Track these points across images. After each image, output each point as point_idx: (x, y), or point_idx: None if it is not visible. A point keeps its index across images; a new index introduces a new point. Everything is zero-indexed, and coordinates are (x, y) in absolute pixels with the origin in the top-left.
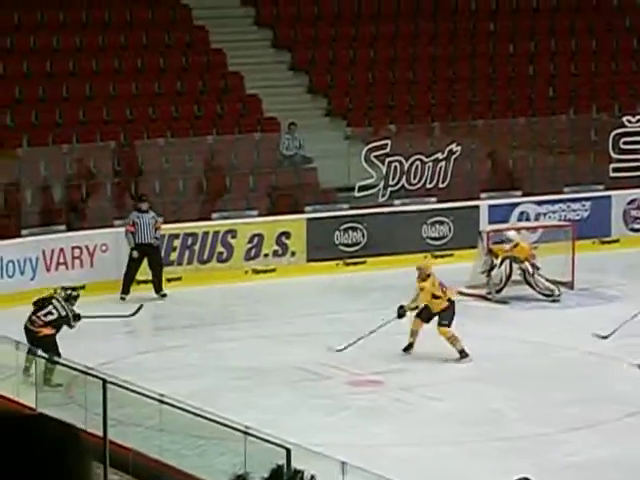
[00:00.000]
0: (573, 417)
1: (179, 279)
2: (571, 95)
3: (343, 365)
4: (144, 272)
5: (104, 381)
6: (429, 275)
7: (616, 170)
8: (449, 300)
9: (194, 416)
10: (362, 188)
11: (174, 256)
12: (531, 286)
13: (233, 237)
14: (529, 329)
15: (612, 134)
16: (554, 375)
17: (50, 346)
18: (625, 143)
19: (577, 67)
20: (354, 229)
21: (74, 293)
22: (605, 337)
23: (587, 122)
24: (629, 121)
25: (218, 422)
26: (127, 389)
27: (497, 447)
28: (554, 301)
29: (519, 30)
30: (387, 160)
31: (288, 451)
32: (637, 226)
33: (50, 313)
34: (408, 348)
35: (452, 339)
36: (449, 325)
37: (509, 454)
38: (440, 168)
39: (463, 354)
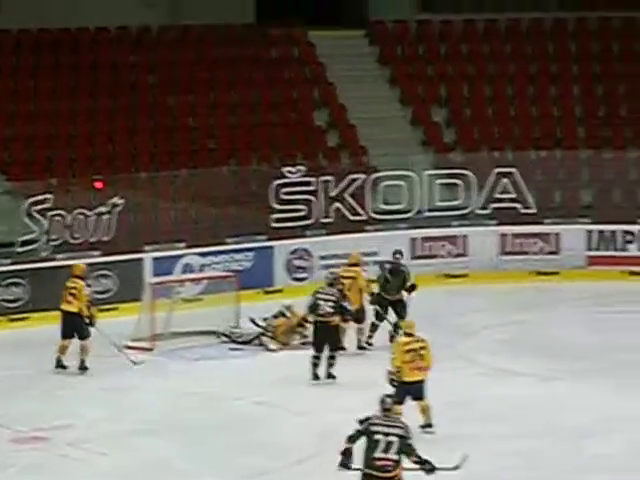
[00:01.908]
0: (244, 466)
1: None
2: (232, 147)
3: (5, 422)
4: None
5: None
6: None
7: (278, 220)
8: None
9: None
10: (24, 243)
11: None
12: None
13: None
14: (195, 381)
15: (273, 185)
16: (223, 425)
17: None
18: (285, 193)
19: (237, 119)
20: (16, 284)
21: None
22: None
23: (248, 173)
24: (289, 172)
25: None
26: None
27: None
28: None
29: (179, 82)
30: (49, 214)
31: None
32: (300, 275)
33: None
34: None
35: None
36: None
37: None
38: (104, 221)
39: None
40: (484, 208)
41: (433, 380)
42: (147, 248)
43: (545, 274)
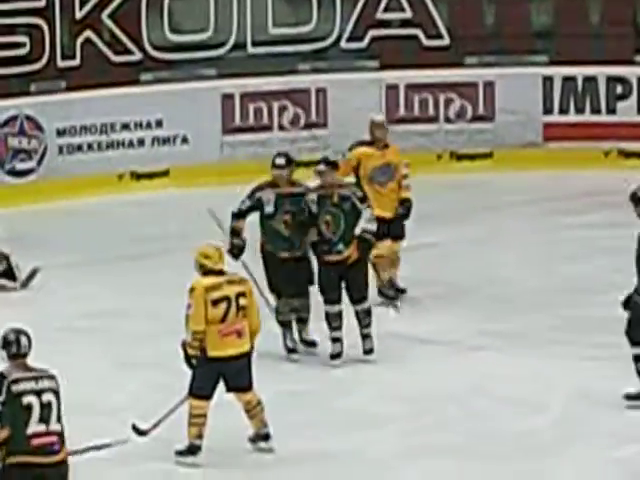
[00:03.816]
0: None
1: None
2: None
3: None
4: None
5: None
6: None
7: None
8: None
9: None
10: None
11: None
12: None
13: None
14: None
15: None
16: None
17: None
18: None
19: None
20: None
21: None
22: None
23: None
24: None
25: None
26: None
27: None
28: None
29: None
30: None
31: None
32: (21, 166)
33: None
34: None
35: None
36: None
37: None
38: None
39: None
40: (356, 38)
41: (266, 355)
42: None
43: (469, 157)
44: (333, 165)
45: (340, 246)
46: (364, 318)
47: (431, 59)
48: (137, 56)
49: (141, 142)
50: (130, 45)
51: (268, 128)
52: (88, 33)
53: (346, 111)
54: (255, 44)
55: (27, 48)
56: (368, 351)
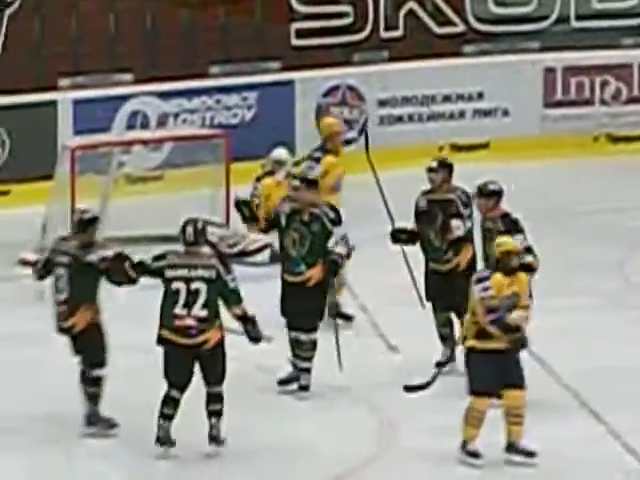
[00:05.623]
0: None
1: None
2: None
3: None
4: None
5: None
6: None
7: (302, 34)
8: None
9: None
10: None
11: None
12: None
13: None
14: None
15: None
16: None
17: None
18: None
19: None
20: None
21: None
22: None
23: None
24: None
25: None
26: None
27: None
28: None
29: None
30: None
31: None
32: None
33: None
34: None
35: None
36: None
37: None
38: None
39: None
40: None
41: None
42: (62, 83)
43: None
44: (310, 183)
45: (302, 267)
46: (307, 350)
47: None
48: (460, 28)
49: (462, 114)
50: (453, 17)
51: (590, 102)
52: (411, 4)
53: None
54: (579, 18)
55: (351, 18)
56: (303, 387)
